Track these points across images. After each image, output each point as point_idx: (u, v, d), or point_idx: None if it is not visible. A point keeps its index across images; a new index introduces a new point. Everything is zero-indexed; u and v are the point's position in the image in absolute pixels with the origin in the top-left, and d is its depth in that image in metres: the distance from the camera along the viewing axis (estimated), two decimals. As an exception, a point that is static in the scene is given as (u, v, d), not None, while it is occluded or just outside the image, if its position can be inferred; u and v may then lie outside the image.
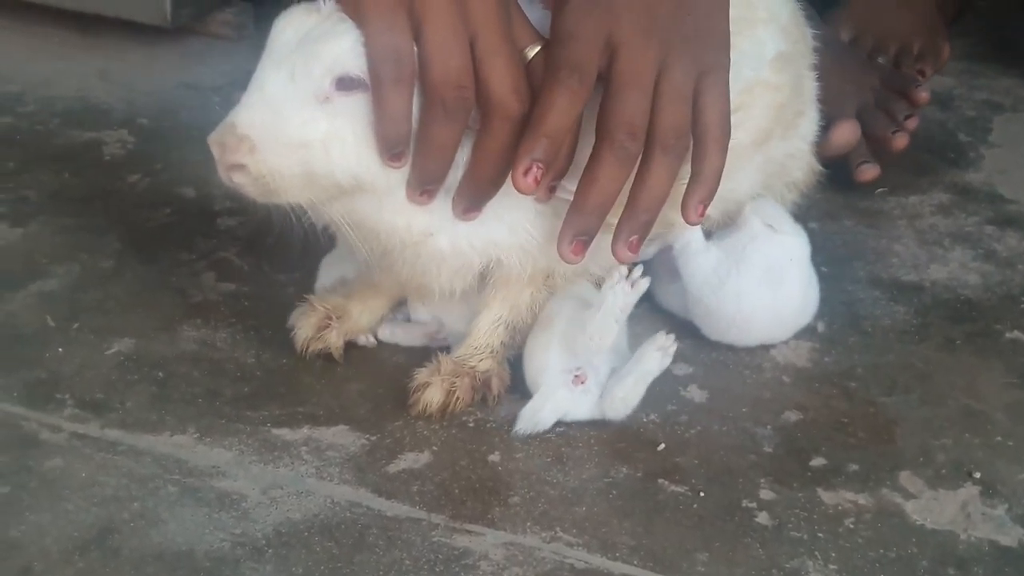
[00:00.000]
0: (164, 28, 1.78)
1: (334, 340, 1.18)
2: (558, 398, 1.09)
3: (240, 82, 1.69)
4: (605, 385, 1.10)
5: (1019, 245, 1.40)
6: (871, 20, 1.63)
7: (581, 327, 1.09)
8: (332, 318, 1.18)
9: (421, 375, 1.12)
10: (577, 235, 1.01)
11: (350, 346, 1.19)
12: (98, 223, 1.39)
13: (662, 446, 1.09)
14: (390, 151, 0.99)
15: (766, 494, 1.04)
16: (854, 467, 1.07)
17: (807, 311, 1.21)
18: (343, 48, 0.98)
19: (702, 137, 1.02)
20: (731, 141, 1.10)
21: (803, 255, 1.19)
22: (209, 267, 1.31)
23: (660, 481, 1.05)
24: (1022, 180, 1.54)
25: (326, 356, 1.17)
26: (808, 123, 1.29)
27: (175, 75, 1.74)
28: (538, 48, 1.00)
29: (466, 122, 0.99)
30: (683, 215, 1.04)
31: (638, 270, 1.07)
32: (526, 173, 0.98)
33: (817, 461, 1.08)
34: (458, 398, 1.11)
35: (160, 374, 1.16)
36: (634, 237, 1.02)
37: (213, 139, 1.01)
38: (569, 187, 1.06)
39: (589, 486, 1.04)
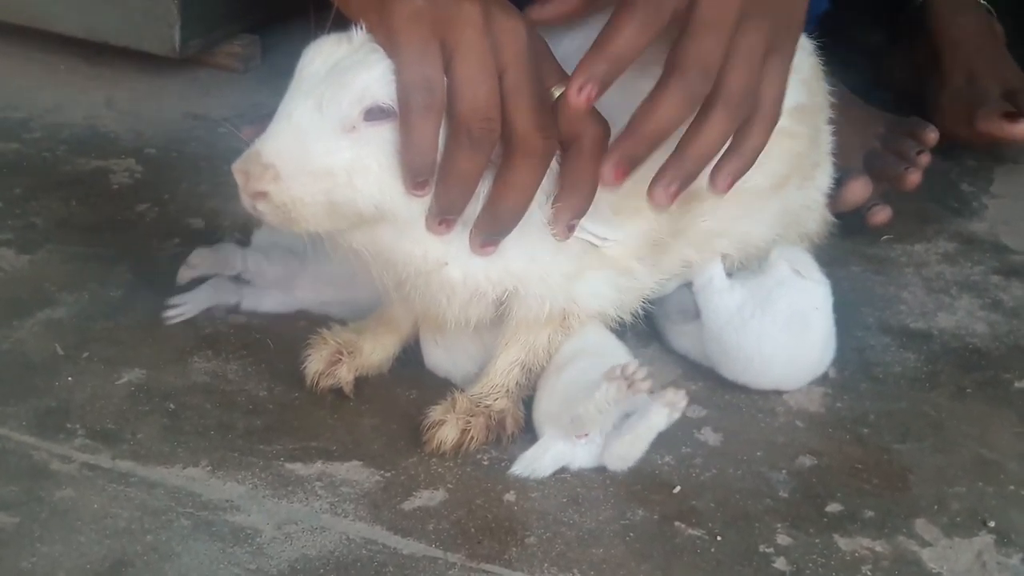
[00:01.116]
0: (172, 58, 1.78)
1: (344, 375, 1.17)
2: (558, 449, 1.09)
3: (248, 114, 1.73)
4: (610, 434, 1.09)
5: (1024, 295, 1.41)
6: (978, 63, 1.67)
7: (582, 391, 1.08)
8: (343, 353, 1.18)
9: (436, 412, 1.11)
10: (622, 158, 0.99)
11: (362, 380, 1.18)
12: (107, 252, 1.38)
13: (678, 488, 1.08)
14: (415, 180, 0.99)
15: (783, 539, 1.03)
16: (870, 514, 1.07)
17: (825, 360, 1.21)
18: (373, 78, 0.98)
19: (753, 112, 1.02)
20: (749, 184, 1.10)
21: (827, 304, 1.19)
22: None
23: (677, 524, 1.04)
24: (1024, 231, 1.55)
25: (337, 391, 1.17)
26: (823, 175, 1.30)
27: (182, 105, 1.74)
28: (565, 88, 1.01)
29: (490, 154, 0.99)
30: (711, 182, 1.02)
31: (642, 371, 1.05)
32: (580, 90, 0.96)
33: (833, 507, 1.07)
34: (472, 437, 1.10)
35: (171, 406, 1.15)
36: (675, 185, 1.00)
37: (237, 167, 1.01)
38: (589, 228, 1.06)
39: (606, 528, 1.04)
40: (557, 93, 1.01)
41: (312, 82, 1.00)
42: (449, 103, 0.98)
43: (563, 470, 1.09)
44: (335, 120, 0.99)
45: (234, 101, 1.77)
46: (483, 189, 1.02)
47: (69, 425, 1.11)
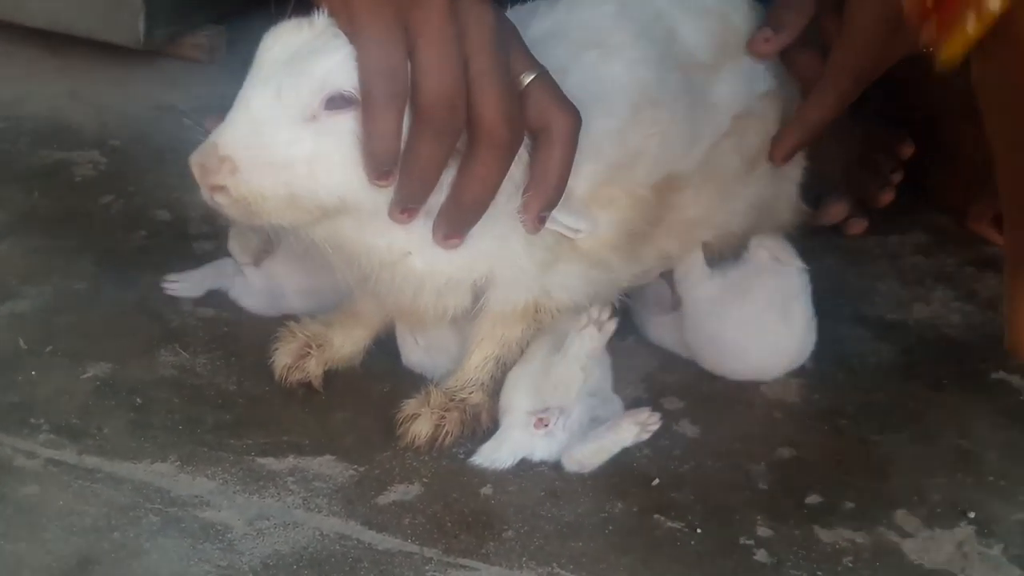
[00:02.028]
0: (136, 49, 1.75)
1: (313, 369, 1.15)
2: (515, 439, 1.08)
3: (214, 105, 1.68)
4: (575, 436, 1.08)
5: (999, 287, 1.40)
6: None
7: (548, 371, 1.08)
8: (312, 346, 1.16)
9: (410, 406, 1.09)
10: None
11: (333, 374, 1.16)
12: (71, 245, 1.35)
13: (656, 481, 1.07)
14: (378, 170, 0.96)
15: (763, 531, 1.02)
16: (850, 505, 1.06)
17: (806, 348, 1.20)
18: (334, 64, 0.95)
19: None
20: (727, 168, 1.13)
21: (807, 291, 1.18)
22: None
23: (656, 517, 1.03)
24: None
25: (307, 385, 1.14)
26: (794, 167, 1.29)
27: (147, 97, 1.71)
28: (534, 75, 0.99)
29: (454, 144, 0.96)
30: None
31: (605, 311, 1.04)
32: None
33: (812, 499, 1.06)
34: (447, 432, 1.08)
35: (138, 400, 1.12)
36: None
37: (194, 160, 0.97)
38: (561, 219, 1.04)
39: (585, 521, 1.02)
40: (526, 80, 0.98)
41: (271, 69, 0.97)
42: (412, 91, 0.95)
43: (541, 463, 1.07)
44: (295, 109, 0.95)
45: (200, 92, 1.73)
46: (448, 178, 0.99)
47: (33, 420, 1.08)
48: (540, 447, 1.07)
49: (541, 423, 1.06)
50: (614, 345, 1.18)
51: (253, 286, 1.24)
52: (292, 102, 0.95)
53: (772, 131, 1.21)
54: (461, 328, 1.14)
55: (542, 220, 1.02)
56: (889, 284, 1.40)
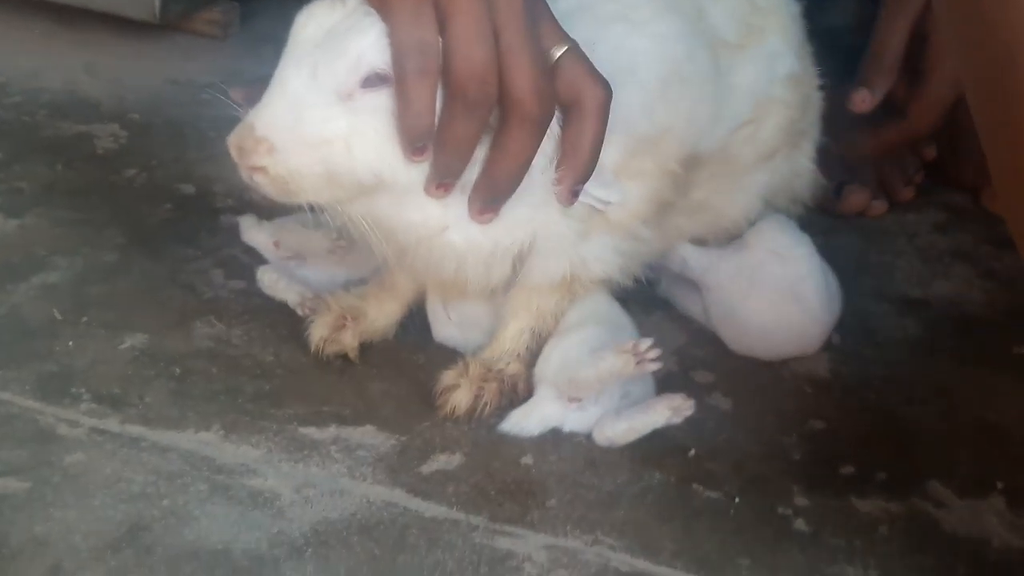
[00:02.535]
0: (151, 24, 1.74)
1: (349, 341, 1.16)
2: (546, 410, 1.09)
3: (228, 80, 1.70)
4: (607, 412, 1.09)
5: (1017, 264, 1.41)
6: None
7: (584, 357, 1.08)
8: (347, 319, 1.16)
9: (448, 377, 1.10)
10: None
11: (368, 346, 1.17)
12: (97, 217, 1.35)
13: (692, 452, 1.08)
14: (413, 145, 0.97)
15: (800, 501, 1.04)
16: (882, 476, 1.08)
17: (828, 324, 1.21)
18: (368, 43, 0.95)
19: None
20: (741, 155, 1.15)
21: (813, 267, 1.20)
22: (216, 264, 1.28)
23: (694, 486, 1.04)
24: (1012, 202, 1.56)
25: (343, 356, 1.15)
26: (808, 142, 1.30)
27: (163, 72, 1.71)
28: (564, 49, 0.99)
29: (487, 118, 0.97)
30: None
31: (651, 349, 1.06)
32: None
33: (846, 469, 1.08)
34: (486, 402, 1.09)
35: (177, 370, 1.13)
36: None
37: (232, 142, 0.98)
38: (592, 192, 1.05)
39: (625, 490, 1.03)
40: (557, 54, 0.99)
41: (306, 49, 0.97)
42: (444, 66, 0.95)
43: (579, 435, 1.08)
44: (330, 88, 0.96)
45: (215, 67, 1.73)
46: (481, 153, 1.00)
47: (74, 390, 1.09)
48: (571, 419, 1.08)
49: (573, 399, 1.07)
50: (642, 321, 1.20)
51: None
52: (328, 82, 0.96)
53: (794, 117, 1.22)
54: (492, 301, 1.15)
55: (576, 193, 1.03)
56: (909, 261, 1.42)
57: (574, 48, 1.00)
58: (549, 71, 0.98)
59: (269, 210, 1.31)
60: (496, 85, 0.95)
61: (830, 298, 1.21)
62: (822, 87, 1.29)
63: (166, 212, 1.38)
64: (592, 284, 1.13)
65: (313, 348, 1.15)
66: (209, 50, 1.78)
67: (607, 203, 1.07)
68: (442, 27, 0.95)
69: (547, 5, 1.01)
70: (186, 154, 1.50)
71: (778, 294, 1.18)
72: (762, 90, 1.19)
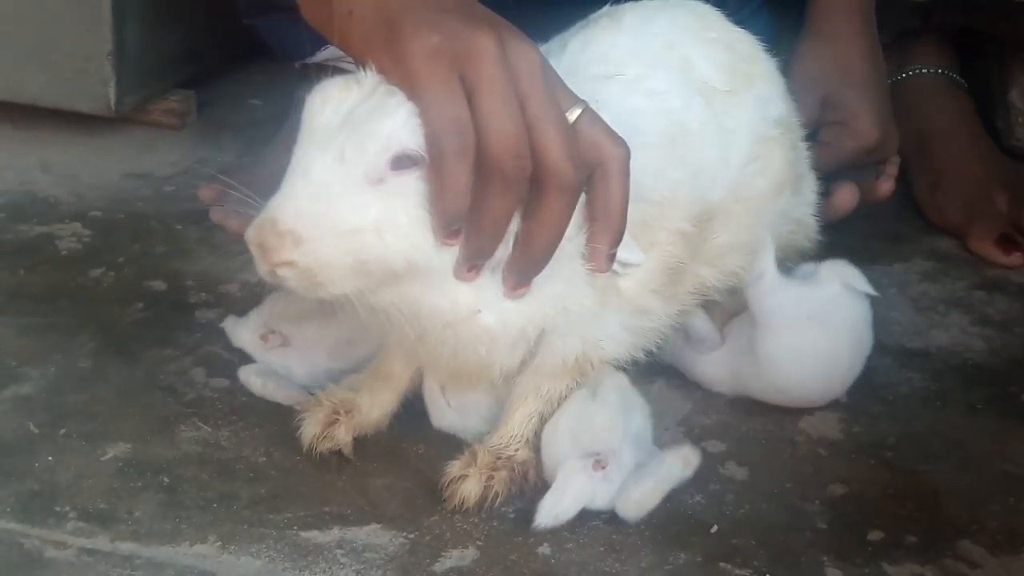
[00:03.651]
0: (105, 117, 1.70)
1: (343, 436, 1.10)
2: (578, 486, 1.04)
3: (192, 170, 1.65)
4: (626, 482, 1.05)
5: (1011, 309, 1.41)
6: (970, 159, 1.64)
7: (588, 420, 1.05)
8: (340, 413, 1.11)
9: (455, 467, 1.05)
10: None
11: (365, 439, 1.12)
12: (67, 322, 1.29)
13: (715, 528, 1.04)
14: (448, 228, 0.93)
15: (833, 572, 1.00)
16: (912, 539, 1.04)
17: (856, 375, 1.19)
18: (398, 124, 0.91)
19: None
20: (755, 191, 1.14)
21: (870, 310, 1.18)
22: (196, 363, 1.23)
23: (722, 565, 1.00)
24: (997, 245, 1.55)
25: (337, 454, 1.10)
26: (808, 189, 1.29)
27: (121, 165, 1.66)
28: (580, 111, 0.96)
29: (524, 192, 0.93)
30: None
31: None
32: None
33: (874, 535, 1.04)
34: (497, 492, 1.04)
35: (165, 479, 1.07)
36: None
37: (252, 238, 0.93)
38: (620, 256, 1.01)
39: (650, 575, 0.98)
40: (573, 117, 0.95)
41: (327, 133, 0.93)
42: (478, 144, 0.91)
43: (595, 517, 1.04)
44: (359, 173, 0.92)
45: (175, 158, 1.69)
46: (512, 228, 0.96)
47: (58, 508, 1.02)
48: (600, 492, 1.04)
49: (599, 465, 1.03)
50: (645, 389, 1.15)
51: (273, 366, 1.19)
52: (357, 166, 0.92)
53: (789, 155, 1.21)
54: (492, 387, 1.10)
55: (612, 257, 0.99)
56: (903, 312, 1.39)
57: (588, 109, 0.97)
58: (575, 135, 0.94)
59: (244, 301, 1.26)
60: (530, 158, 0.91)
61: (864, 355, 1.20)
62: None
63: (138, 312, 1.32)
64: (602, 365, 1.09)
65: (306, 447, 1.09)
66: (167, 141, 1.74)
67: (635, 265, 1.04)
68: (470, 102, 0.91)
69: (552, 67, 0.98)
70: (153, 249, 1.45)
71: (845, 334, 1.17)
72: (760, 130, 1.17)
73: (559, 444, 1.06)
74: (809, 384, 1.17)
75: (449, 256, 0.95)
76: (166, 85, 1.77)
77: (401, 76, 0.92)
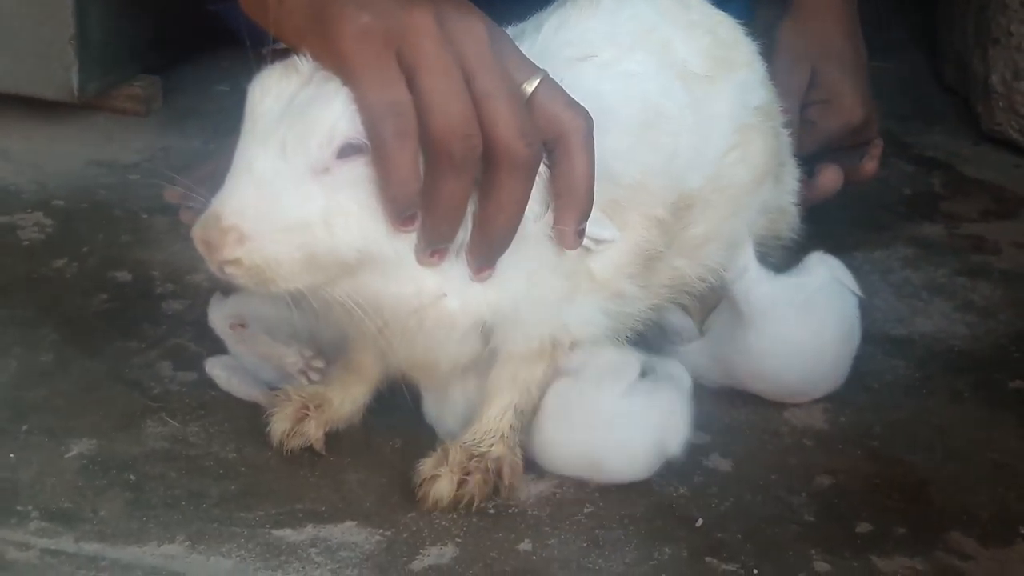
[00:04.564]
0: (68, 104, 1.65)
1: (313, 432, 1.07)
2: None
3: (157, 158, 1.61)
4: None
5: (994, 295, 1.39)
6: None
7: None
8: (310, 408, 1.08)
9: (427, 466, 1.01)
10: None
11: (339, 434, 1.09)
12: (28, 314, 1.25)
13: (700, 521, 1.01)
14: (401, 215, 0.90)
15: (821, 566, 0.97)
16: (900, 531, 1.02)
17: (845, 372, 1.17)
18: (338, 113, 0.88)
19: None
20: (735, 180, 1.11)
21: (857, 306, 1.16)
22: (163, 355, 1.19)
23: (708, 560, 0.97)
24: (978, 232, 1.53)
25: (308, 450, 1.06)
26: (789, 176, 1.26)
27: (85, 153, 1.62)
28: (538, 81, 0.92)
29: (475, 173, 0.90)
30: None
31: None
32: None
33: (862, 527, 1.02)
34: (473, 495, 1.00)
35: (131, 477, 1.03)
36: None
37: (197, 235, 0.90)
38: (591, 232, 0.98)
39: (635, 571, 0.96)
40: (530, 88, 0.92)
41: (267, 124, 0.90)
42: (422, 125, 0.88)
43: (577, 512, 1.01)
44: (303, 164, 0.89)
45: (140, 146, 1.65)
46: (470, 209, 0.93)
47: (20, 507, 0.99)
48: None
49: None
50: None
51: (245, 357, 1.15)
52: (299, 158, 0.89)
53: (771, 143, 1.18)
54: (465, 381, 1.07)
55: (580, 233, 0.96)
56: (886, 299, 1.37)
57: (546, 79, 0.93)
58: (528, 109, 0.91)
59: (212, 292, 1.22)
60: (480, 136, 0.87)
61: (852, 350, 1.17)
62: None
63: (102, 303, 1.28)
64: (576, 348, 1.06)
65: (276, 444, 1.06)
66: (132, 128, 1.70)
67: (608, 241, 1.00)
68: (410, 82, 0.88)
69: (508, 35, 0.95)
70: (118, 239, 1.41)
71: (833, 326, 1.14)
72: (740, 117, 1.14)
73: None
74: (799, 375, 1.14)
75: (405, 243, 0.91)
76: (130, 71, 1.72)
77: (333, 61, 0.89)
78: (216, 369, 1.14)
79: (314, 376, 1.11)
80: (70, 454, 1.05)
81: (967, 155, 1.73)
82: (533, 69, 0.93)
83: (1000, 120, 1.71)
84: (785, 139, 1.25)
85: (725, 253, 1.14)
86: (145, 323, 1.24)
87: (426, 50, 0.88)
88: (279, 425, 1.07)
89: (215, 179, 1.48)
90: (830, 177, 1.37)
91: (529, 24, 1.11)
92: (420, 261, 0.93)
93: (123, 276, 1.33)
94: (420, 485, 1.01)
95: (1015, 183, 1.64)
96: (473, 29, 0.90)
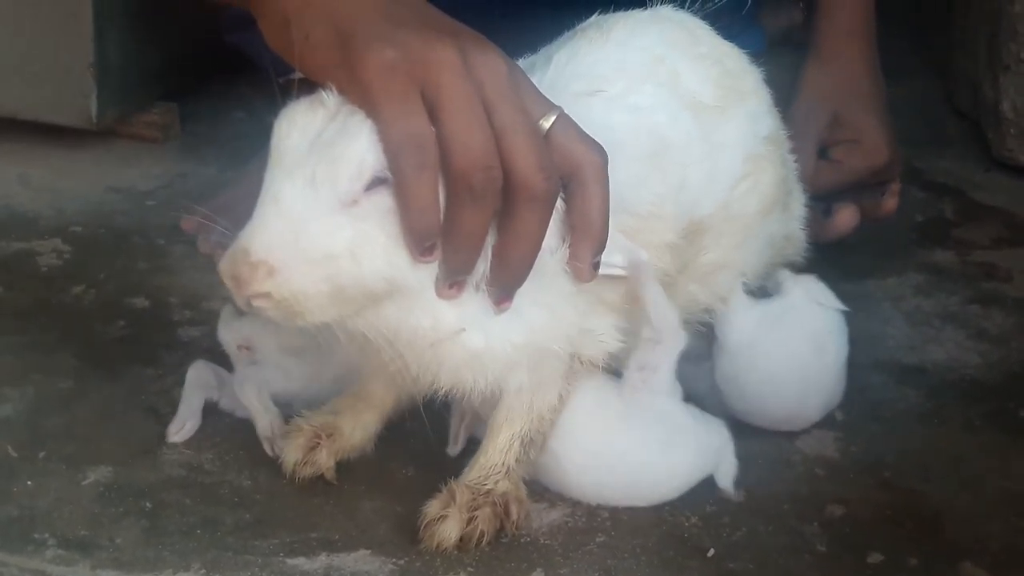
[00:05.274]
0: (86, 131, 1.67)
1: (325, 461, 1.07)
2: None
3: (175, 185, 1.63)
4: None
5: (1006, 322, 1.39)
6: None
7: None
8: (321, 437, 1.08)
9: (434, 507, 1.01)
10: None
11: (352, 462, 1.09)
12: (47, 340, 1.26)
13: (712, 551, 1.02)
14: (421, 245, 0.91)
15: (833, 597, 0.98)
16: (913, 561, 1.02)
17: (837, 393, 1.18)
18: (365, 145, 0.89)
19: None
20: (745, 210, 1.12)
21: (842, 332, 1.17)
22: (180, 382, 1.19)
23: (720, 591, 0.98)
24: (990, 259, 1.54)
25: (320, 479, 1.07)
26: (797, 203, 1.27)
27: (102, 179, 1.64)
28: (554, 118, 0.94)
29: (495, 205, 0.91)
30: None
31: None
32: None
33: (874, 557, 1.02)
34: (482, 532, 1.00)
35: (148, 504, 1.04)
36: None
37: (225, 270, 0.91)
38: (608, 260, 0.98)
39: (647, 601, 0.96)
40: (547, 124, 0.93)
41: (295, 158, 0.91)
42: (443, 157, 0.89)
43: (589, 541, 1.01)
44: (332, 197, 0.90)
45: (157, 172, 1.67)
46: (489, 241, 0.94)
47: (37, 535, 0.99)
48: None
49: None
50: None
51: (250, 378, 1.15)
52: (329, 191, 0.89)
53: (779, 172, 1.19)
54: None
55: (596, 266, 0.97)
56: (898, 327, 1.37)
57: (563, 115, 0.95)
58: (546, 143, 0.92)
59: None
60: (500, 169, 0.89)
61: (841, 369, 1.17)
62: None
63: (119, 330, 1.29)
64: (590, 366, 1.06)
65: (288, 474, 1.06)
66: (149, 154, 1.71)
67: (623, 268, 1.01)
68: (433, 116, 0.89)
69: (524, 72, 0.96)
70: (135, 265, 1.43)
71: (801, 340, 1.15)
72: (749, 147, 1.15)
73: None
74: (782, 400, 1.15)
75: (427, 274, 0.92)
76: (148, 98, 1.75)
77: (358, 94, 0.90)
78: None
79: (275, 450, 1.11)
80: (87, 481, 1.06)
81: (978, 181, 1.73)
82: (550, 105, 0.95)
83: (1011, 146, 1.72)
84: (792, 167, 1.26)
85: (736, 281, 1.15)
86: (162, 349, 1.25)
87: (448, 84, 0.89)
88: (291, 455, 1.07)
89: (231, 208, 1.50)
90: (847, 217, 1.39)
91: (540, 57, 1.12)
92: (440, 294, 0.94)
93: (140, 303, 1.35)
94: (424, 527, 1.00)
95: (1027, 210, 1.65)
96: (493, 65, 0.92)
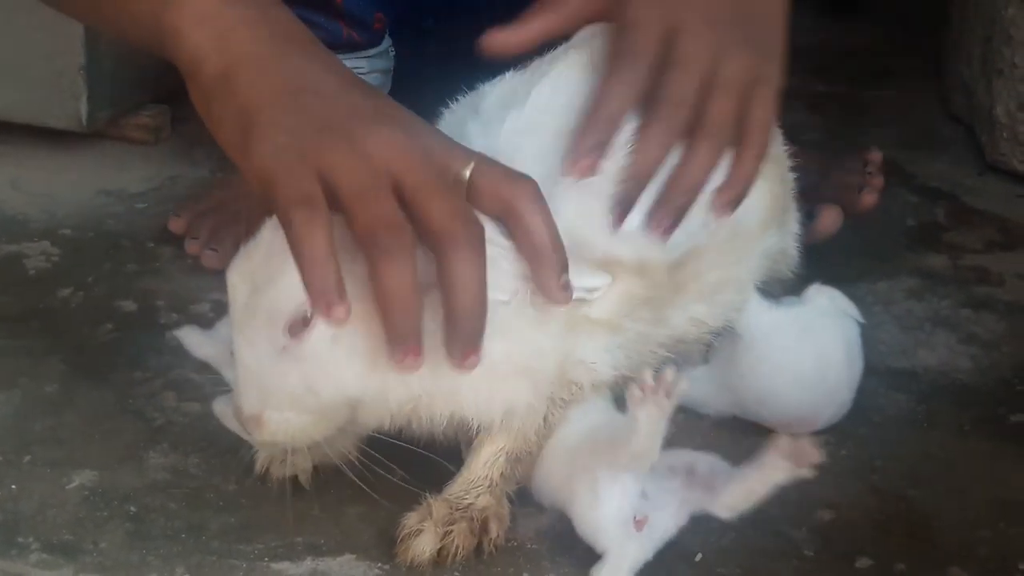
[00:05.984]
0: (77, 133, 1.66)
1: (301, 463, 1.06)
2: (630, 555, 0.97)
3: (166, 187, 1.62)
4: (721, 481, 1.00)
5: (998, 327, 1.39)
6: None
7: (612, 458, 0.99)
8: None
9: (410, 520, 1.00)
10: (620, 204, 1.01)
11: (337, 467, 1.08)
12: (34, 344, 1.26)
13: (699, 556, 1.01)
14: (323, 300, 0.89)
15: (821, 603, 0.97)
16: (901, 566, 1.01)
17: (848, 404, 1.17)
18: (275, 295, 0.93)
19: (741, 141, 1.04)
20: (741, 226, 1.09)
21: (858, 338, 1.17)
22: (167, 386, 1.20)
23: (707, 596, 0.97)
24: (982, 263, 1.53)
25: (292, 480, 1.06)
26: (792, 220, 1.26)
27: (93, 182, 1.63)
28: (472, 164, 0.94)
29: (412, 257, 0.90)
30: (713, 209, 1.06)
31: (671, 372, 0.96)
32: (577, 164, 1.00)
33: (863, 562, 1.02)
34: (458, 546, 0.99)
35: (132, 508, 1.04)
36: (668, 220, 1.02)
37: (234, 427, 1.01)
38: (579, 283, 0.98)
39: (634, 607, 0.96)
40: (467, 173, 0.94)
41: (240, 314, 0.96)
42: (348, 224, 0.90)
43: (575, 545, 1.01)
44: (269, 349, 0.94)
45: (148, 175, 1.66)
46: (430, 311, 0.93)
47: (20, 539, 0.99)
48: (648, 545, 0.98)
49: (640, 524, 0.98)
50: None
51: None
52: (264, 343, 0.94)
53: (777, 191, 1.18)
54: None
55: (566, 287, 0.96)
56: (889, 331, 1.37)
57: (481, 160, 0.95)
58: (460, 190, 0.93)
59: (216, 321, 1.22)
60: (407, 225, 0.90)
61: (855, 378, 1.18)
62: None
63: (107, 333, 1.29)
64: (581, 388, 1.04)
65: (257, 469, 1.06)
66: (141, 157, 1.71)
67: (595, 289, 1.00)
68: (331, 194, 0.90)
69: (433, 128, 0.98)
70: (124, 268, 1.42)
71: (833, 345, 1.15)
72: None
73: (597, 512, 0.99)
74: (801, 399, 1.14)
75: (384, 373, 0.93)
76: (139, 100, 1.74)
77: (254, 178, 0.92)
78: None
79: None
80: (72, 485, 1.06)
81: (971, 185, 1.73)
82: (465, 154, 0.95)
83: (1004, 151, 1.71)
84: (790, 184, 1.25)
85: (739, 294, 1.14)
86: (150, 353, 1.25)
87: (342, 163, 0.91)
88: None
89: (219, 210, 1.49)
90: (830, 218, 1.39)
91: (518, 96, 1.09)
92: (398, 368, 0.92)
93: (128, 306, 1.34)
94: (400, 540, 1.00)
95: (1019, 214, 1.64)
96: (389, 136, 0.92)
